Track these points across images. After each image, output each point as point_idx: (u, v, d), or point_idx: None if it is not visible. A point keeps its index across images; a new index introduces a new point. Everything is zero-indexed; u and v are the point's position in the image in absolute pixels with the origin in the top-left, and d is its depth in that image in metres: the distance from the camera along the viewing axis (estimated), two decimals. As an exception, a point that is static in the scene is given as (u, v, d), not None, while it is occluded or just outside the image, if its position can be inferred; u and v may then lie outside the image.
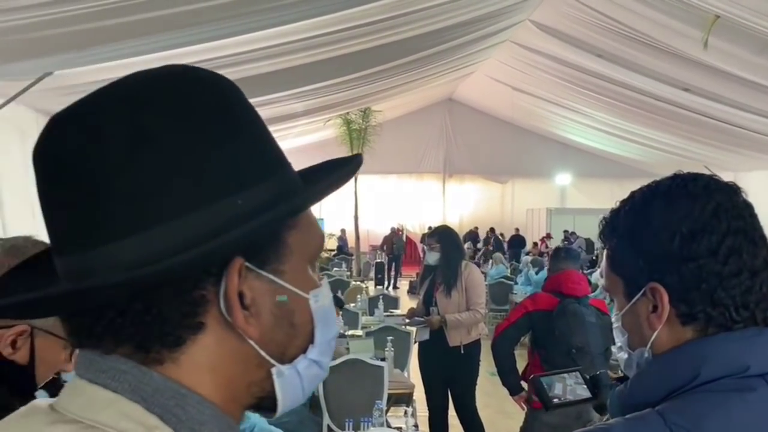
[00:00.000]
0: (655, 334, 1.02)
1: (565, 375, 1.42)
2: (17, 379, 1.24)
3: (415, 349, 6.65)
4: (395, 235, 23.15)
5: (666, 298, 1.01)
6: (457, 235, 6.07)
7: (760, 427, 0.92)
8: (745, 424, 0.92)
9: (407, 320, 5.90)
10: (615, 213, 1.10)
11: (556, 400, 1.39)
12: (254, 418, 4.09)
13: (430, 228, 24.79)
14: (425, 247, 5.72)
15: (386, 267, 20.58)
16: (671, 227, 1.00)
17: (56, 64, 7.77)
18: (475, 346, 5.55)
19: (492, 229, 25.36)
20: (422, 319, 5.58)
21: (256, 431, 3.99)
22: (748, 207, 1.03)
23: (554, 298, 4.33)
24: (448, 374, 5.57)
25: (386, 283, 19.64)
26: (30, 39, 6.87)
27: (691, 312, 1.00)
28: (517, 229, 25.03)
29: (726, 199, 1.01)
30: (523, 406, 4.56)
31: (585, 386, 1.38)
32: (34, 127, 10.31)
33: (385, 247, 22.06)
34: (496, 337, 4.46)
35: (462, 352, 5.43)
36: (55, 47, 7.26)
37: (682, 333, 1.01)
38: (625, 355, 1.09)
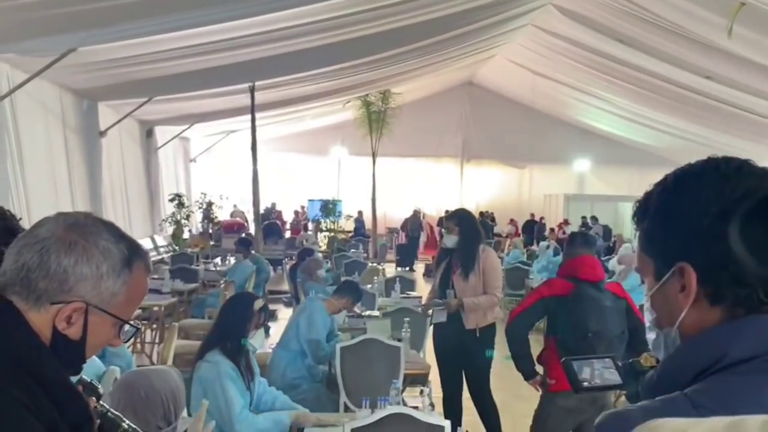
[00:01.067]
0: (683, 313, 1.03)
1: (595, 360, 1.43)
2: (68, 352, 1.29)
3: (431, 331, 6.70)
4: (414, 216, 23.19)
5: (694, 277, 1.01)
6: (475, 218, 6.07)
7: None
8: None
9: (424, 304, 5.88)
10: (648, 195, 1.10)
11: (585, 384, 1.40)
12: (275, 392, 4.16)
13: (447, 212, 24.87)
14: (443, 230, 5.71)
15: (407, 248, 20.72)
16: (701, 207, 1.00)
17: (80, 41, 7.81)
18: (491, 329, 5.56)
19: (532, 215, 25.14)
20: (441, 301, 5.60)
21: (277, 405, 4.06)
22: None
23: (569, 283, 4.32)
24: (463, 357, 5.59)
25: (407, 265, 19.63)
26: (54, 15, 6.92)
27: (719, 292, 1.00)
28: (532, 215, 24.95)
29: (757, 181, 1.01)
30: (539, 389, 4.57)
31: (615, 372, 1.40)
32: (57, 103, 10.43)
33: (402, 228, 22.14)
34: (510, 322, 4.45)
35: (477, 335, 5.45)
36: (79, 24, 7.31)
37: (710, 313, 1.01)
38: (653, 335, 1.11)
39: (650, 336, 1.12)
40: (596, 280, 4.37)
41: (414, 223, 22.52)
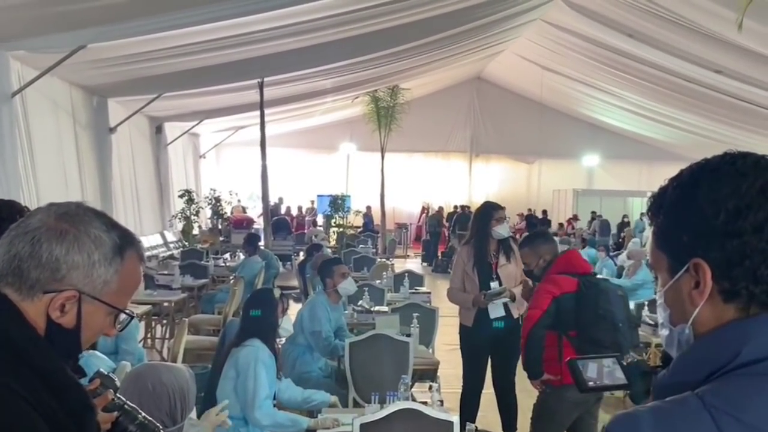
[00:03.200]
0: (697, 310, 1.01)
1: (600, 359, 1.42)
2: (63, 341, 1.30)
3: (440, 326, 6.70)
4: (438, 212, 23.18)
5: (709, 274, 0.99)
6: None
7: None
8: None
9: (483, 296, 5.55)
10: (663, 190, 1.09)
11: (591, 384, 1.38)
12: (295, 389, 4.22)
13: (455, 207, 24.86)
14: (494, 221, 5.53)
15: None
16: (717, 203, 0.99)
17: (90, 37, 7.84)
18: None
19: (530, 210, 25.07)
20: (500, 288, 5.39)
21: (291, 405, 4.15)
22: None
23: (572, 279, 4.28)
24: (495, 348, 5.52)
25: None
26: (64, 12, 6.95)
27: (733, 289, 0.98)
28: (530, 210, 24.55)
29: None
30: (540, 387, 4.51)
31: (620, 371, 1.39)
32: (67, 99, 10.48)
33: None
34: (532, 327, 4.30)
35: (520, 323, 5.34)
36: (89, 20, 7.33)
37: (724, 311, 1.00)
38: (666, 332, 1.09)
39: (663, 333, 1.10)
40: (591, 271, 4.36)
41: (433, 219, 22.51)
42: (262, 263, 9.78)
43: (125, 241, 1.35)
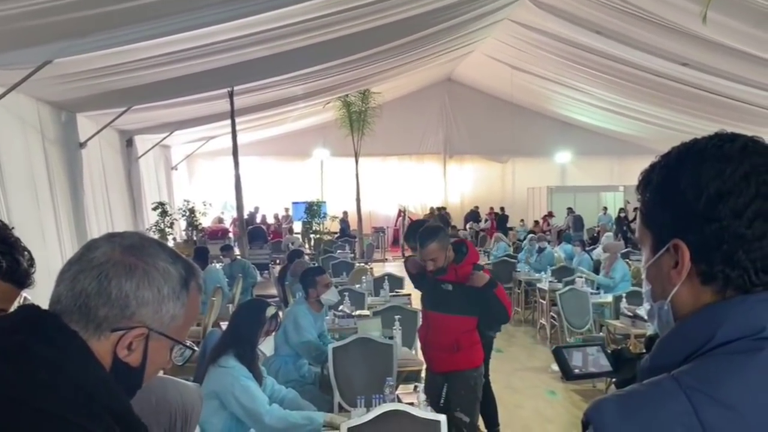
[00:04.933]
0: (675, 289, 1.03)
1: (585, 348, 1.42)
2: (128, 379, 1.26)
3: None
4: (431, 215, 23.11)
5: (687, 255, 1.01)
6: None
7: None
8: (759, 385, 0.91)
9: None
10: (651, 168, 1.09)
11: (576, 371, 1.39)
12: (283, 390, 4.15)
13: (431, 209, 24.94)
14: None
15: None
16: (699, 186, 1.00)
17: (55, 52, 7.73)
18: None
19: (491, 209, 25.42)
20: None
21: (285, 403, 4.06)
22: None
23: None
24: None
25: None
26: (28, 27, 6.84)
27: (710, 272, 1.00)
28: (491, 209, 25.25)
29: (761, 162, 1.00)
30: None
31: (605, 359, 1.39)
32: (34, 116, 10.32)
33: None
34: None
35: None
36: (54, 35, 7.23)
37: (702, 292, 1.02)
38: (648, 306, 1.12)
39: (645, 306, 1.13)
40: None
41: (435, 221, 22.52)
42: (220, 271, 9.69)
43: (190, 273, 1.31)
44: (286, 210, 23.92)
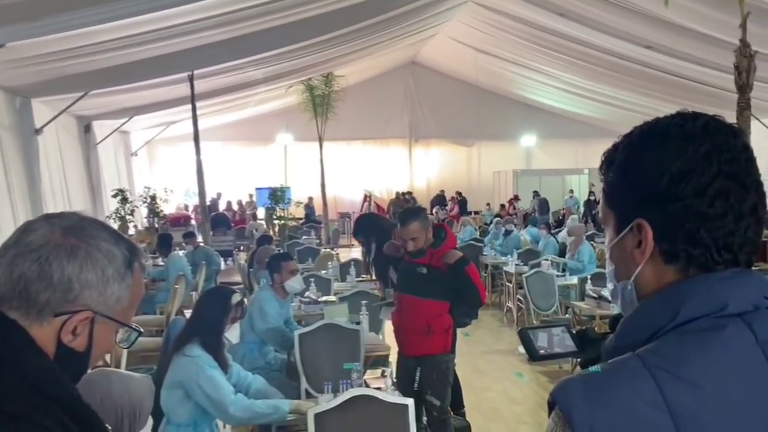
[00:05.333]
0: (639, 268, 1.04)
1: (550, 328, 1.42)
2: (73, 365, 1.20)
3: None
4: (397, 199, 23.08)
5: (650, 235, 1.01)
6: None
7: (736, 365, 0.93)
8: (723, 362, 0.92)
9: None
10: (614, 148, 1.09)
11: (542, 352, 1.38)
12: (249, 376, 4.07)
13: (397, 193, 24.94)
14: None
15: None
16: (662, 166, 1.00)
17: (7, 36, 7.49)
18: None
19: (457, 193, 25.54)
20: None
21: (253, 389, 3.99)
22: (746, 150, 1.02)
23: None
24: None
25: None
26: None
27: (673, 251, 1.01)
28: (459, 193, 25.40)
29: (722, 141, 1.00)
30: None
31: (571, 339, 1.39)
32: (-12, 102, 10.04)
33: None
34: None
35: None
36: (5, 18, 6.99)
37: (665, 271, 1.02)
38: (612, 285, 1.12)
39: (609, 286, 1.13)
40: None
41: (397, 206, 22.49)
42: (183, 258, 9.52)
43: (133, 254, 1.25)
44: (250, 196, 23.70)
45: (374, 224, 6.39)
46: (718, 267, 1.00)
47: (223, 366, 3.75)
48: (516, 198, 24.05)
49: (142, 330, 1.35)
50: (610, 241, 1.10)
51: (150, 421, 3.09)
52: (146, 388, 2.44)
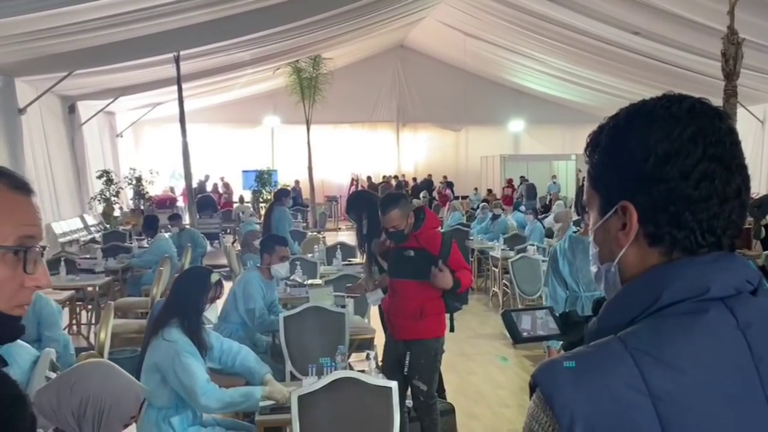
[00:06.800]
0: (623, 251, 1.04)
1: (534, 311, 1.41)
2: None
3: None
4: (387, 184, 22.98)
5: (635, 217, 1.01)
6: None
7: (717, 349, 0.93)
8: (704, 346, 0.92)
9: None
10: (599, 129, 1.08)
11: (525, 334, 1.37)
12: (235, 347, 4.05)
13: (384, 177, 24.87)
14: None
15: None
16: (647, 148, 1.00)
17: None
18: None
19: (445, 177, 25.51)
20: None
21: (238, 360, 3.96)
22: (731, 133, 1.02)
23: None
24: None
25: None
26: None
27: (657, 233, 1.00)
28: (445, 177, 25.38)
29: (708, 123, 1.00)
30: None
31: (554, 322, 1.38)
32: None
33: None
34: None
35: None
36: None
37: (649, 254, 1.02)
38: (595, 268, 1.11)
39: (593, 269, 1.13)
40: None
41: (384, 190, 22.49)
42: (169, 240, 9.45)
43: None
44: (222, 179, 23.33)
45: (365, 200, 6.36)
46: (702, 250, 1.00)
47: (203, 347, 3.73)
48: (510, 182, 23.93)
49: (41, 246, 1.13)
50: (594, 224, 1.09)
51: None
52: (132, 394, 2.38)
